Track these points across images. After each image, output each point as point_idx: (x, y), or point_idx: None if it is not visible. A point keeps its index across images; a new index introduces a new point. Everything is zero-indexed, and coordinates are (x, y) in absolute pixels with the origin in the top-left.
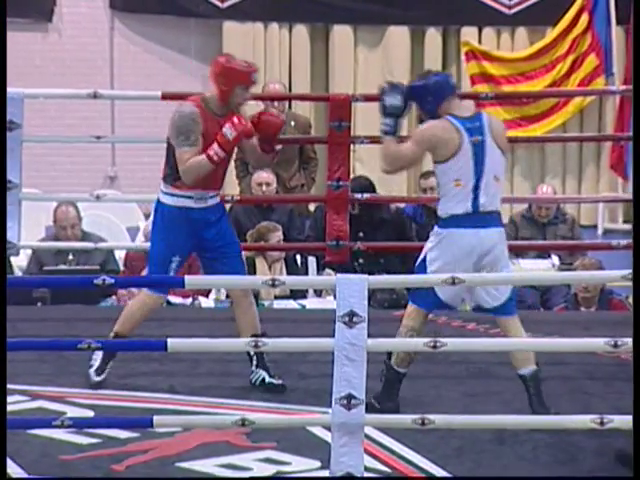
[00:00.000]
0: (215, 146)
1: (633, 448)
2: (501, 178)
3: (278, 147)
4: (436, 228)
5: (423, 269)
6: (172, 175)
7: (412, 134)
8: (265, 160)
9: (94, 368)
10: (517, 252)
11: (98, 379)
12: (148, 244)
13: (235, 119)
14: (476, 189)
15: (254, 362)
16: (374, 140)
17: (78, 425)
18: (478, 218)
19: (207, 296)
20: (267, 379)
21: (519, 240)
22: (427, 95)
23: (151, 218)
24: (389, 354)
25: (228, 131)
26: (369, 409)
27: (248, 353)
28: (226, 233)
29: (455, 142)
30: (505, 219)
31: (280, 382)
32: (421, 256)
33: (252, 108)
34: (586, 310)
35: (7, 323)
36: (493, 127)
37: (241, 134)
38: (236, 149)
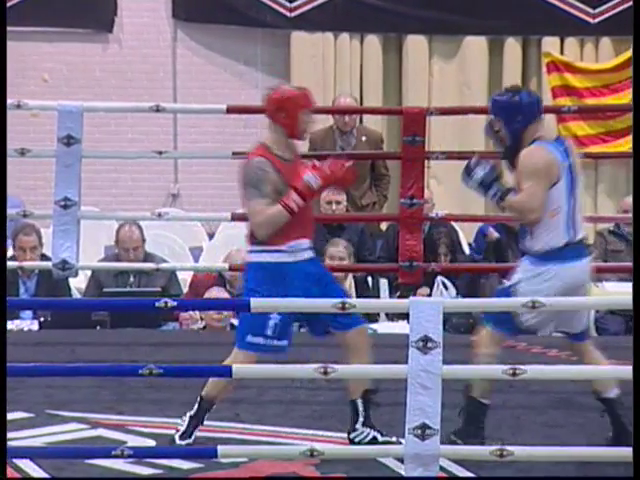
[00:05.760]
0: (294, 195)
1: (633, 448)
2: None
3: (348, 163)
4: (528, 263)
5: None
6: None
7: (520, 175)
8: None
9: (180, 432)
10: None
11: (182, 443)
12: (213, 264)
13: (319, 166)
14: (570, 218)
15: (360, 420)
16: (450, 156)
17: (139, 455)
18: (573, 250)
19: None
20: (380, 438)
21: (608, 254)
22: (517, 114)
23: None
24: (468, 387)
25: (312, 179)
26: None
27: (355, 410)
28: (332, 292)
29: (556, 169)
30: (590, 236)
31: (395, 438)
32: (506, 284)
33: (322, 123)
34: None
35: (66, 347)
36: (574, 151)
37: (328, 183)
38: None
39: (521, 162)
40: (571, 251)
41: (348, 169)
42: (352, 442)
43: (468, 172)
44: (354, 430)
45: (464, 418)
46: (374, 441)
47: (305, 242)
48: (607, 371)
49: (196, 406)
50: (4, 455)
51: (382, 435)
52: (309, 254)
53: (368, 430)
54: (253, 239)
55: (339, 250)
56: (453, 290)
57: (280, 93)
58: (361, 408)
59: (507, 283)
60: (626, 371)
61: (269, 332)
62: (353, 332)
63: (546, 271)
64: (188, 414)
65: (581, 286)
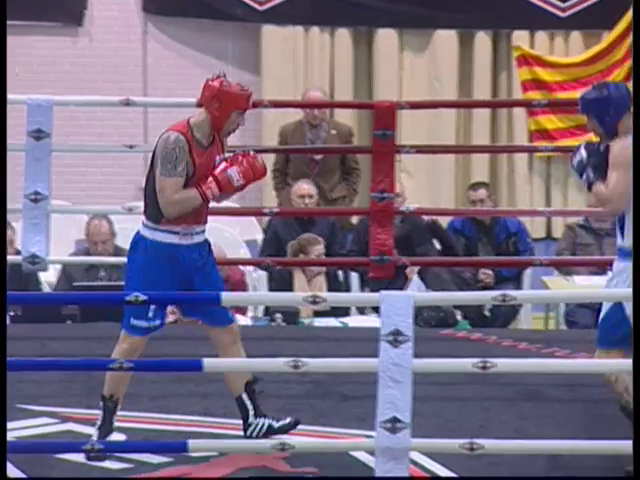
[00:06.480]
0: (214, 186)
1: (633, 446)
2: None
3: (318, 157)
4: (621, 262)
5: (620, 312)
6: (157, 211)
7: (611, 163)
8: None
9: (96, 435)
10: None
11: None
12: None
13: (244, 161)
14: None
15: (251, 413)
16: (420, 150)
17: (109, 449)
18: None
19: (244, 314)
20: (275, 425)
21: (576, 247)
22: (608, 108)
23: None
24: (623, 407)
25: (235, 176)
26: None
27: (243, 405)
28: (212, 279)
29: None
30: (559, 230)
31: (290, 420)
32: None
33: (292, 116)
34: None
35: (36, 341)
36: None
37: (249, 182)
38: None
39: (612, 152)
40: None
41: (263, 165)
42: (250, 437)
43: (572, 156)
44: (249, 425)
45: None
46: (270, 429)
47: (198, 227)
48: (577, 365)
49: (101, 413)
50: (4, 455)
51: (277, 421)
52: (200, 238)
53: (262, 420)
54: (149, 214)
55: (322, 247)
56: (421, 284)
57: (220, 83)
58: (248, 402)
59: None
60: (597, 365)
61: (150, 314)
62: (219, 330)
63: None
64: (96, 427)
65: None
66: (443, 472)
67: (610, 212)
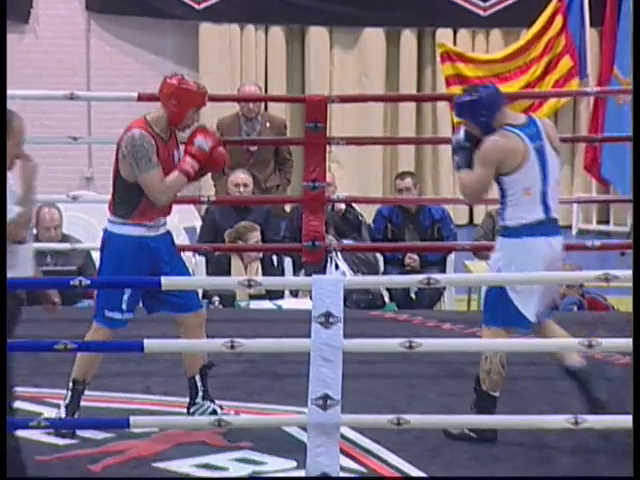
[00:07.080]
0: (189, 159)
1: (633, 447)
2: (559, 182)
3: (253, 148)
4: (504, 239)
5: (500, 291)
6: (125, 209)
7: (478, 157)
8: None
9: (63, 413)
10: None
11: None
12: None
13: (202, 130)
14: (544, 196)
15: (200, 394)
16: (350, 141)
17: (55, 426)
18: (548, 226)
19: None
20: (219, 411)
21: (495, 233)
22: (480, 109)
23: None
24: (478, 382)
25: (203, 142)
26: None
27: (194, 386)
28: (178, 270)
29: (521, 151)
30: (481, 217)
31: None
32: (490, 266)
33: (229, 110)
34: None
35: None
36: (547, 130)
37: (216, 144)
38: None
39: (481, 147)
40: (544, 228)
41: (213, 133)
42: (192, 415)
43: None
44: (195, 404)
45: (475, 411)
46: (214, 414)
47: (163, 219)
48: (497, 344)
49: (69, 393)
50: (4, 454)
51: (221, 409)
52: (164, 229)
53: (208, 403)
54: (117, 211)
55: (258, 234)
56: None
57: (179, 81)
58: (199, 383)
59: (490, 265)
60: (518, 344)
61: (124, 306)
62: (187, 315)
63: (517, 246)
64: (63, 404)
65: (553, 262)
66: (371, 446)
67: (465, 199)
